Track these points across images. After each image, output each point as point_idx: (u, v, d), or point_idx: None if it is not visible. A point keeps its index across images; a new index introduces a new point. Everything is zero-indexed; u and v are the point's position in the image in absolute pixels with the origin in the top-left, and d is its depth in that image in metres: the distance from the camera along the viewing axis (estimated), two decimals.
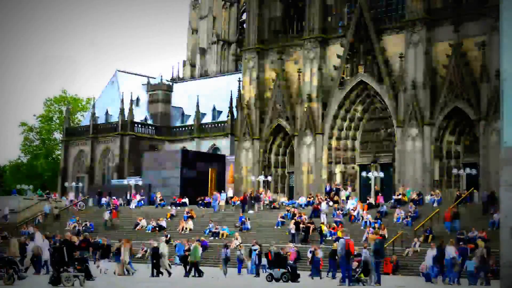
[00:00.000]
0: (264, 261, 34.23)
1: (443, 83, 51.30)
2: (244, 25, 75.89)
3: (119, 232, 51.76)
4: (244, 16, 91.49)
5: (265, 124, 61.33)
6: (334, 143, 57.88)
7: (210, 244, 44.19)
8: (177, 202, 57.35)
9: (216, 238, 46.56)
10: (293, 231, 43.70)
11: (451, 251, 31.37)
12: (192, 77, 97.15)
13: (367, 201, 48.94)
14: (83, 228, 53.44)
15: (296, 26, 62.33)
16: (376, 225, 42.51)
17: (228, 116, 75.97)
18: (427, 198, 47.71)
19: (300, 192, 57.41)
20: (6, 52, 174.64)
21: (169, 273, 30.31)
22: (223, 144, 75.76)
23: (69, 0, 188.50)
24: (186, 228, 49.64)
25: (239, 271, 35.52)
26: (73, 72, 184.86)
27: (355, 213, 46.10)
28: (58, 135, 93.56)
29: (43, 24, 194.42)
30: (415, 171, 52.16)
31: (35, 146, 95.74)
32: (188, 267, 31.85)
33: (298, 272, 29.69)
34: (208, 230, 48.30)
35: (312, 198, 51.30)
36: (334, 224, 43.60)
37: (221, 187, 61.46)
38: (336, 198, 50.72)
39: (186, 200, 57.40)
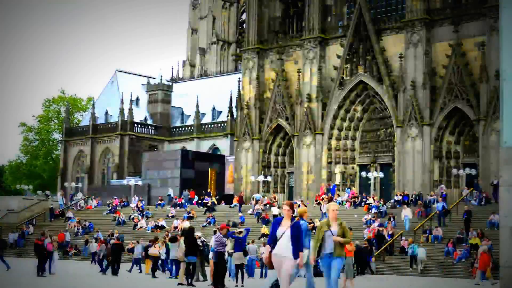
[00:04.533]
0: None
1: (443, 83, 51.33)
2: (244, 25, 75.91)
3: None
4: (243, 16, 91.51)
5: (265, 124, 61.33)
6: (334, 143, 57.90)
7: None
8: (177, 202, 57.40)
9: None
10: None
11: None
12: (192, 77, 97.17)
13: (367, 201, 48.97)
14: (83, 227, 53.53)
15: (295, 26, 62.35)
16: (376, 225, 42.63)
17: (227, 116, 75.97)
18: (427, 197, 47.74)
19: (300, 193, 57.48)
20: (5, 53, 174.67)
21: None
22: (223, 144, 75.75)
23: (69, 0, 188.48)
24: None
25: None
26: (73, 72, 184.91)
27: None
28: (57, 135, 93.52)
29: (43, 24, 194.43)
30: (415, 171, 52.18)
31: (34, 147, 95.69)
32: None
33: None
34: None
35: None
36: None
37: (221, 187, 61.47)
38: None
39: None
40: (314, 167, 57.77)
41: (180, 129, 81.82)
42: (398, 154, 53.49)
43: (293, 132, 59.20)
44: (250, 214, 51.20)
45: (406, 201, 46.41)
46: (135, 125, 79.88)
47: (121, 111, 78.54)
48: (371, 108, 57.63)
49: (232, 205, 55.16)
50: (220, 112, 79.72)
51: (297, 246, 11.69)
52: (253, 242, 34.19)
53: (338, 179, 57.76)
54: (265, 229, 45.76)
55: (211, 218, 51.02)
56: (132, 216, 54.86)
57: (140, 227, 52.34)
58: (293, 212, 12.26)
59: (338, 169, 57.96)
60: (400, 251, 39.70)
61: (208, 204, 54.64)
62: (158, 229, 50.72)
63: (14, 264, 32.34)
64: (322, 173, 57.50)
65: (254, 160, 61.44)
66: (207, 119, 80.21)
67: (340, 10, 59.77)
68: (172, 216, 53.43)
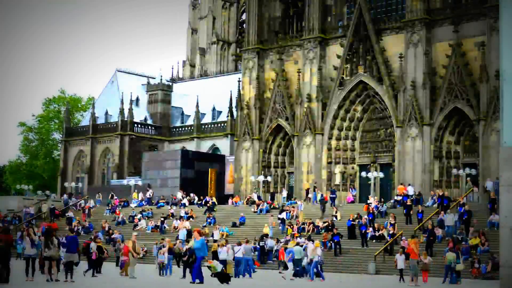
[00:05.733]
0: None
1: (443, 83, 51.32)
2: (244, 25, 75.91)
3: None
4: (244, 16, 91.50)
5: (265, 124, 61.32)
6: (334, 143, 57.88)
7: None
8: (177, 202, 57.38)
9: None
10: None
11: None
12: (192, 77, 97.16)
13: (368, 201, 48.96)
14: (82, 227, 53.51)
15: (295, 26, 62.35)
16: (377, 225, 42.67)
17: (228, 116, 75.98)
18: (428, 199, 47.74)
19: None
20: (5, 52, 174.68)
21: None
22: (223, 144, 75.74)
23: (69, 0, 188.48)
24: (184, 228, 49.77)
25: None
26: (73, 72, 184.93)
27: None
28: (57, 135, 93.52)
29: (43, 24, 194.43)
30: (415, 171, 52.16)
31: (34, 147, 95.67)
32: None
33: None
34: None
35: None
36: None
37: (221, 187, 61.48)
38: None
39: (185, 200, 57.36)
40: (314, 167, 57.75)
41: (180, 129, 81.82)
42: (398, 154, 53.48)
43: (293, 132, 59.19)
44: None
45: (405, 201, 46.35)
46: (135, 125, 79.88)
47: (121, 111, 78.56)
48: (371, 108, 57.61)
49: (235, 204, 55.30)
50: (220, 112, 79.72)
51: None
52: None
53: (338, 179, 57.74)
54: (266, 229, 45.77)
55: (211, 218, 51.03)
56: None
57: (140, 227, 52.32)
58: None
59: (338, 169, 57.94)
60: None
61: (209, 204, 54.66)
62: (158, 229, 50.77)
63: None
64: (322, 173, 57.48)
65: (254, 160, 61.45)
66: (207, 119, 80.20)
67: (340, 10, 59.76)
68: (173, 215, 53.42)
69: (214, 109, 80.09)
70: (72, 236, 25.96)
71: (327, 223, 43.98)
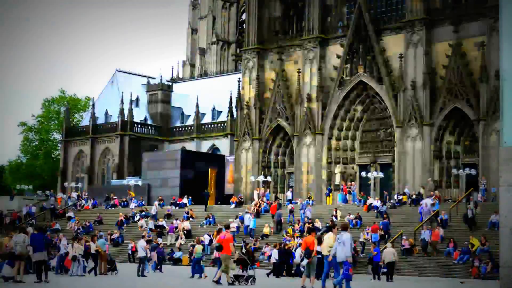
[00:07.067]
0: None
1: (443, 83, 51.32)
2: (244, 25, 75.93)
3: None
4: (243, 16, 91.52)
5: (265, 124, 61.32)
6: (334, 143, 57.90)
7: None
8: (177, 202, 57.41)
9: None
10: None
11: None
12: (192, 77, 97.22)
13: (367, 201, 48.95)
14: (82, 227, 53.49)
15: (295, 26, 62.34)
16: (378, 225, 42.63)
17: (227, 116, 75.99)
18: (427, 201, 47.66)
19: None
20: (5, 52, 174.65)
21: None
22: (223, 144, 75.75)
23: (68, 0, 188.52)
24: (183, 228, 49.79)
25: None
26: (73, 72, 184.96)
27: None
28: (57, 135, 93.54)
29: (43, 24, 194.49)
30: (415, 171, 52.16)
31: (34, 146, 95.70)
32: None
33: None
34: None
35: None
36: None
37: (220, 187, 61.39)
38: None
39: (185, 200, 57.38)
40: (314, 167, 57.76)
41: (180, 129, 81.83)
42: (398, 154, 53.48)
43: (293, 132, 59.19)
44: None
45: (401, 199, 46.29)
46: (135, 125, 79.90)
47: (121, 111, 78.57)
48: (371, 108, 57.62)
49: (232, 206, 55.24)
50: (220, 112, 79.73)
51: None
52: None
53: (338, 179, 57.75)
54: (266, 229, 45.74)
55: (210, 218, 51.01)
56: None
57: (140, 227, 52.33)
58: None
59: (338, 169, 57.96)
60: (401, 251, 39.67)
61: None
62: (158, 229, 50.76)
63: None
64: (322, 173, 57.50)
65: (254, 160, 61.43)
66: (207, 119, 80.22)
67: (340, 10, 59.76)
68: (170, 216, 53.39)
69: (214, 109, 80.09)
70: (38, 234, 24.06)
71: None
